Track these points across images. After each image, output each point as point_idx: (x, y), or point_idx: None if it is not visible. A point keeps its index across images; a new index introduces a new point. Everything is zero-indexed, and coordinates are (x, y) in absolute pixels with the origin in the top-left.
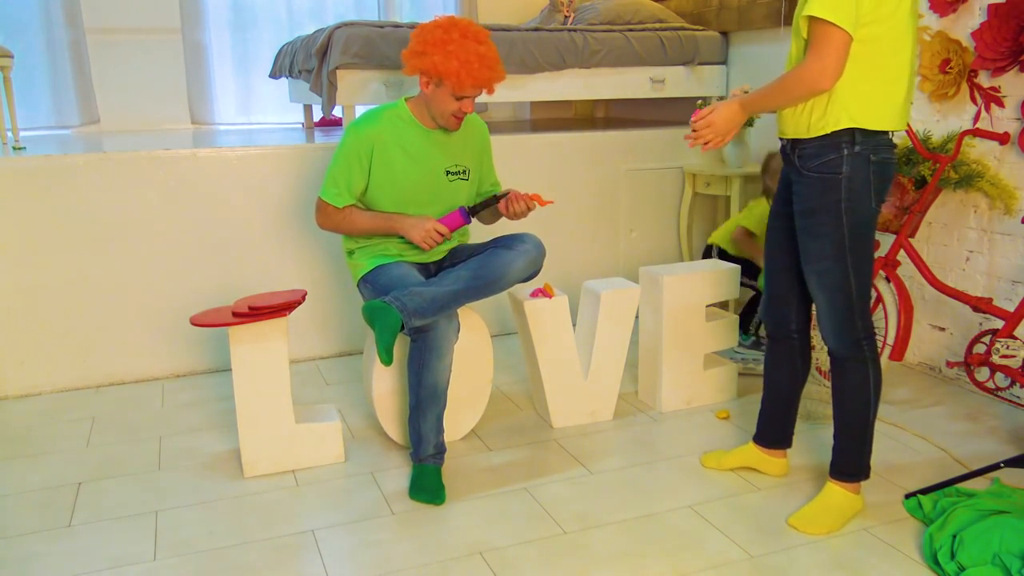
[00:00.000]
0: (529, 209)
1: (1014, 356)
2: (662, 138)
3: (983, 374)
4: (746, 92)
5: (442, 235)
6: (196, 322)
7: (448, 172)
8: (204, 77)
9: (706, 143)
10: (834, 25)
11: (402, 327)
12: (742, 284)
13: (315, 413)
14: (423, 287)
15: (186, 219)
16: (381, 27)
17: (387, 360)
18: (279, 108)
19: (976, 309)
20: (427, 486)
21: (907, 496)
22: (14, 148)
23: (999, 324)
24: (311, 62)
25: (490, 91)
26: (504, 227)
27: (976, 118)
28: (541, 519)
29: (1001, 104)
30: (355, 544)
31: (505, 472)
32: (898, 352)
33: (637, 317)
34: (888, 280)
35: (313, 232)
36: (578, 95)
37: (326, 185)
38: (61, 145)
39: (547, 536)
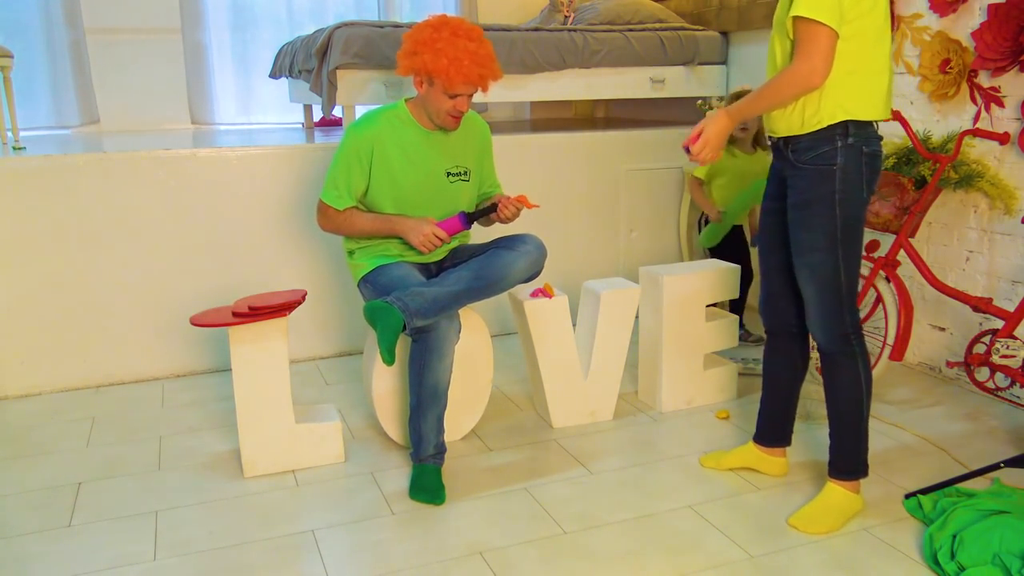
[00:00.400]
0: (518, 211)
1: (1014, 356)
2: (662, 138)
3: (983, 374)
4: (747, 92)
5: (440, 239)
6: (196, 322)
7: (449, 173)
8: (204, 77)
9: (704, 158)
10: (821, 24)
11: (403, 327)
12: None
13: (315, 413)
14: (425, 287)
15: (186, 219)
16: (381, 27)
17: (389, 360)
18: (279, 108)
19: (976, 309)
20: (427, 486)
21: (907, 496)
22: (14, 148)
23: (999, 324)
24: (311, 62)
25: (484, 88)
26: (504, 228)
27: (976, 118)
28: (541, 519)
29: (1001, 104)
30: (355, 544)
31: (505, 472)
32: (898, 352)
33: (637, 317)
34: (888, 280)
35: (313, 232)
36: (578, 95)
37: (327, 187)
38: (61, 145)
39: (547, 536)
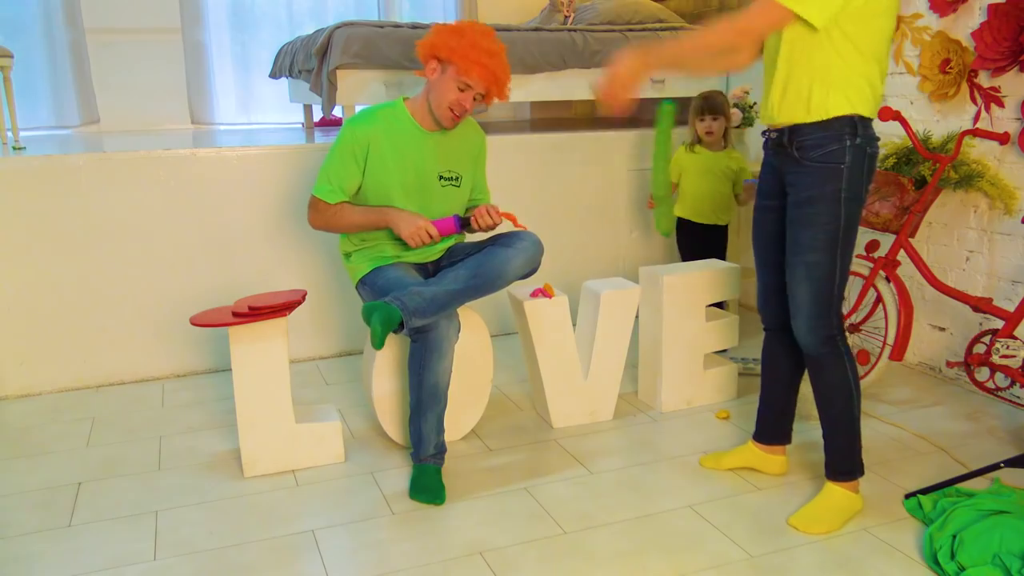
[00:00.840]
0: (494, 224)
1: (1014, 356)
2: None
3: (983, 374)
4: (747, 92)
5: (431, 236)
6: (196, 322)
7: (441, 177)
8: (204, 77)
9: (614, 98)
10: (786, 7)
11: (401, 327)
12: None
13: (315, 413)
14: (423, 287)
15: (186, 219)
16: (381, 27)
17: (378, 342)
18: (279, 108)
19: (976, 309)
20: (427, 486)
21: (907, 496)
22: (14, 148)
23: (999, 324)
24: (311, 62)
25: (489, 95)
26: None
27: (976, 118)
28: (541, 519)
29: (1001, 104)
30: (355, 544)
31: (505, 472)
32: (898, 352)
33: (637, 317)
34: (888, 280)
35: (313, 232)
36: (578, 95)
37: (319, 182)
38: (61, 145)
39: (547, 536)
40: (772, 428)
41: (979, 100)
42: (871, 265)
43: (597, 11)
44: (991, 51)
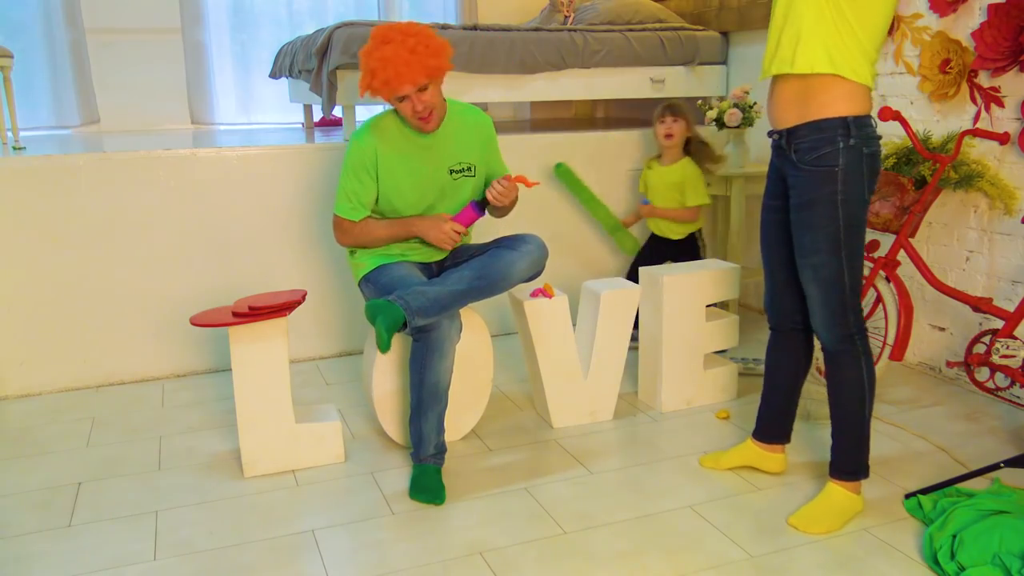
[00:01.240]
0: (510, 190)
1: (1014, 356)
2: None
3: (983, 374)
4: (746, 92)
5: (460, 233)
6: (196, 322)
7: (452, 171)
8: (204, 77)
9: None
10: None
11: (404, 326)
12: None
13: (315, 413)
14: (426, 286)
15: (186, 219)
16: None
17: (385, 345)
18: (279, 108)
19: (976, 309)
20: (427, 486)
21: (907, 496)
22: (14, 148)
23: (999, 324)
24: (311, 62)
25: (419, 82)
26: (508, 227)
27: (976, 118)
28: (541, 519)
29: (1001, 104)
30: (355, 544)
31: (505, 472)
32: (898, 352)
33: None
34: (888, 280)
35: (313, 232)
36: (578, 95)
37: (339, 201)
38: (61, 145)
39: (547, 536)
40: (772, 427)
41: (979, 100)
42: (871, 265)
43: (597, 11)
44: (991, 51)
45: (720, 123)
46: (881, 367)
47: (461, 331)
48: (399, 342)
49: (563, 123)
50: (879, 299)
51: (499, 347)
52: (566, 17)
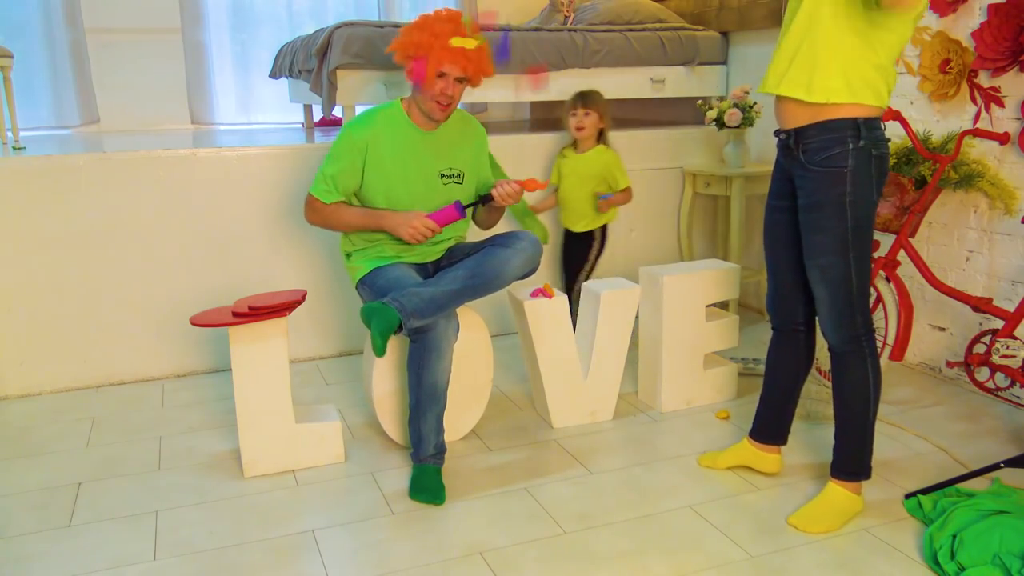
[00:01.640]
0: (517, 192)
1: (1014, 356)
2: (662, 138)
3: (983, 374)
4: (747, 92)
5: (432, 230)
6: (196, 322)
7: (442, 175)
8: (204, 77)
9: None
10: None
11: (400, 328)
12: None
13: (315, 413)
14: (421, 288)
15: (186, 219)
16: (381, 27)
17: (380, 349)
18: (279, 108)
19: (976, 309)
20: (427, 486)
21: (907, 496)
22: (14, 148)
23: (999, 324)
24: (311, 62)
25: (469, 74)
26: (504, 226)
27: (976, 118)
28: (541, 519)
29: (1001, 104)
30: (355, 544)
31: (505, 472)
32: (898, 352)
33: (637, 317)
34: (888, 280)
35: (313, 232)
36: None
37: (316, 181)
38: (61, 145)
39: (547, 536)
40: (770, 427)
41: (979, 100)
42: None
43: (597, 11)
44: (991, 51)
45: (720, 123)
46: (881, 367)
47: (458, 331)
48: (398, 342)
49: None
50: (879, 299)
51: (499, 347)
52: (566, 17)
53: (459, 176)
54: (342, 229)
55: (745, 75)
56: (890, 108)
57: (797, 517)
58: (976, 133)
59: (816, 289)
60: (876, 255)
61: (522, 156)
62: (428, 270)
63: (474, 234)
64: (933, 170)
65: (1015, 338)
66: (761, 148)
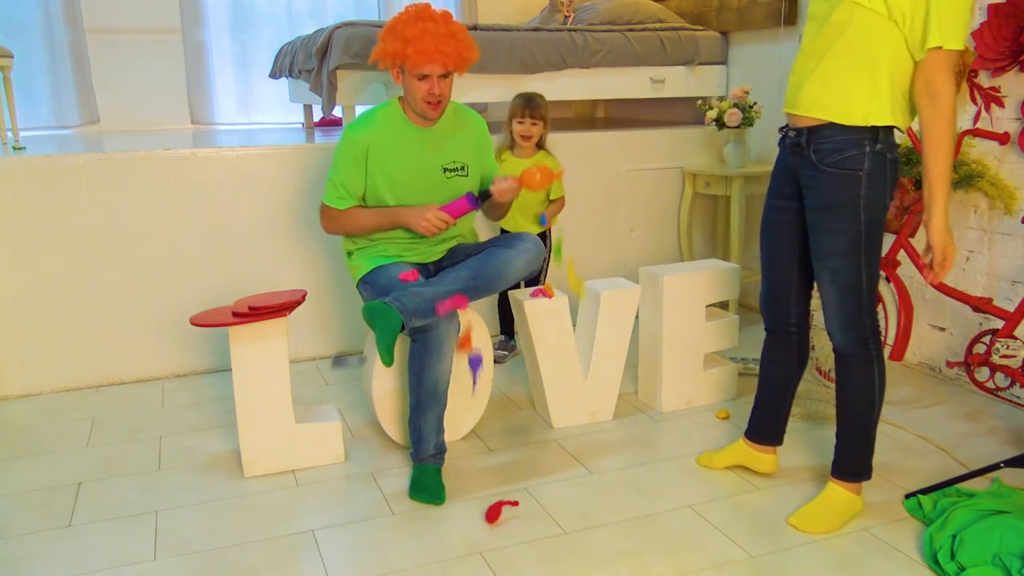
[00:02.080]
0: (512, 185)
1: (1014, 356)
2: (662, 138)
3: (983, 374)
4: (747, 92)
5: (445, 222)
6: (196, 322)
7: (445, 169)
8: (204, 77)
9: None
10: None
11: (402, 327)
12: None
13: (315, 413)
14: (423, 287)
15: (186, 219)
16: (381, 27)
17: (388, 360)
18: (279, 108)
19: (976, 309)
20: (427, 486)
21: (907, 496)
22: (14, 148)
23: (999, 324)
24: (311, 62)
25: (450, 67)
26: (506, 227)
27: (976, 118)
28: (541, 519)
29: (1001, 104)
30: (355, 544)
31: (505, 472)
32: (898, 352)
33: (637, 317)
34: (888, 280)
35: (313, 232)
36: (578, 95)
37: (327, 190)
38: (61, 145)
39: (547, 536)
40: (764, 428)
41: (979, 100)
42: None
43: (597, 11)
44: (991, 51)
45: (720, 123)
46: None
47: (459, 331)
48: (399, 342)
49: (563, 123)
50: (879, 299)
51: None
52: (566, 17)
53: (463, 168)
54: (359, 232)
55: (745, 75)
56: None
57: (797, 517)
58: (976, 133)
59: (825, 291)
60: None
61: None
62: (430, 270)
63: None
64: None
65: (1015, 338)
66: (761, 148)
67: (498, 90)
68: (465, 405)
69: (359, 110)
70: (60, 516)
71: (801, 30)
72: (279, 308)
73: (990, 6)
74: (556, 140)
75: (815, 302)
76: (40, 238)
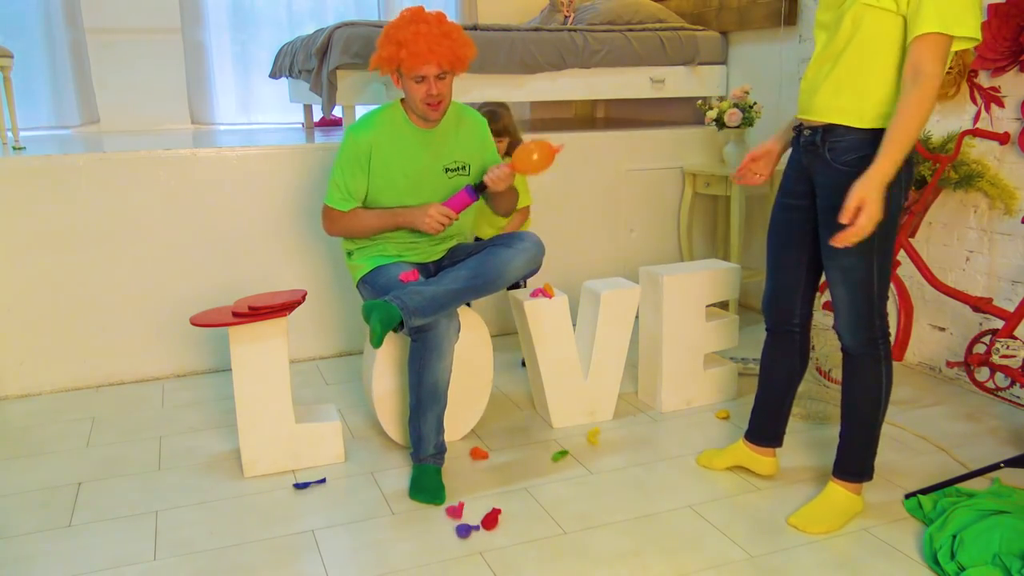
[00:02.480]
0: (505, 173)
1: (1014, 356)
2: (662, 138)
3: (983, 374)
4: (747, 92)
5: (449, 217)
6: (196, 322)
7: (447, 169)
8: (204, 77)
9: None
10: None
11: (401, 326)
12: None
13: (315, 413)
14: (423, 286)
15: (186, 219)
16: (381, 27)
17: (377, 340)
18: (279, 108)
19: (976, 309)
20: (427, 486)
21: (907, 496)
22: (14, 148)
23: (999, 324)
24: (311, 62)
25: (445, 67)
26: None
27: (976, 118)
28: (541, 519)
29: (1001, 104)
30: (355, 544)
31: (505, 472)
32: (898, 352)
33: (637, 317)
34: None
35: (313, 232)
36: (578, 95)
37: (330, 191)
38: (61, 145)
39: (547, 536)
40: (764, 430)
41: (979, 100)
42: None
43: (597, 11)
44: (991, 51)
45: (720, 123)
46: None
47: (459, 331)
48: (399, 341)
49: (563, 123)
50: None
51: (499, 347)
52: (566, 17)
53: (464, 168)
54: (362, 234)
55: (745, 75)
56: None
57: (797, 517)
58: (976, 133)
59: (835, 290)
60: None
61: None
62: (430, 270)
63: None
64: (933, 170)
65: (1015, 338)
66: None
67: (498, 90)
68: (465, 405)
69: (359, 110)
70: (60, 516)
71: (801, 30)
72: (279, 308)
73: (990, 6)
74: (557, 140)
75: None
76: (40, 238)
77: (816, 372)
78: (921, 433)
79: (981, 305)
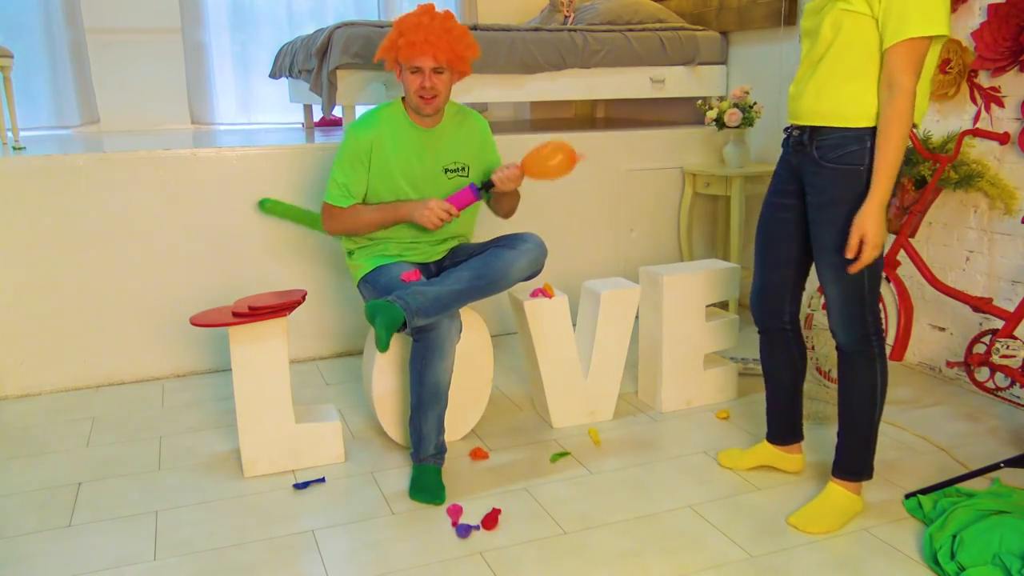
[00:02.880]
0: (515, 175)
1: (1014, 356)
2: (662, 138)
3: (983, 374)
4: (747, 92)
5: (449, 213)
6: (196, 322)
7: (447, 170)
8: (204, 77)
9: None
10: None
11: (404, 326)
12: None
13: (315, 413)
14: (426, 286)
15: (186, 219)
16: (381, 27)
17: (384, 345)
18: (279, 108)
19: (976, 309)
20: (427, 486)
21: (907, 496)
22: (14, 148)
23: (999, 324)
24: (311, 62)
25: (440, 60)
26: (508, 226)
27: (976, 118)
28: (541, 519)
29: (1001, 104)
30: (355, 544)
31: (505, 472)
32: (898, 352)
33: (637, 317)
34: (888, 280)
35: (313, 232)
36: (578, 95)
37: (329, 189)
38: (61, 145)
39: (547, 536)
40: (783, 428)
41: (979, 100)
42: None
43: (597, 11)
44: (991, 51)
45: (720, 123)
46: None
47: (461, 331)
48: (400, 341)
49: (563, 123)
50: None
51: (499, 347)
52: (566, 17)
53: (464, 169)
54: (363, 230)
55: (745, 75)
56: None
57: (797, 517)
58: (976, 133)
59: (827, 288)
60: None
61: (522, 156)
62: (431, 270)
63: (479, 235)
64: (933, 170)
65: (1015, 338)
66: (761, 148)
67: (498, 90)
68: (465, 405)
69: (359, 110)
70: (60, 516)
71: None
72: (279, 308)
73: (990, 6)
74: (556, 140)
75: (815, 302)
76: (40, 238)
77: (816, 372)
78: (921, 433)
79: (981, 305)
